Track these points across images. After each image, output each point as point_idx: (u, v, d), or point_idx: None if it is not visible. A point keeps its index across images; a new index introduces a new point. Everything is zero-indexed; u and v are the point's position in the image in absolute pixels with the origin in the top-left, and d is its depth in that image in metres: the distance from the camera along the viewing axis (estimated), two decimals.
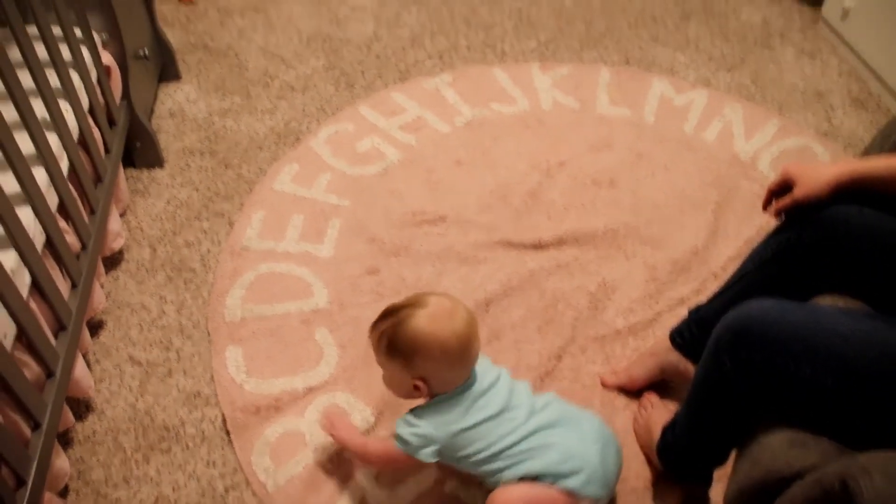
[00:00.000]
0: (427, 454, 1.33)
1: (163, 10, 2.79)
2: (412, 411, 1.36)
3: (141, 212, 2.03)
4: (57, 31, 1.68)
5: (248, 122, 2.29)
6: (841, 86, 2.49)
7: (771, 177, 2.12)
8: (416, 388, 1.31)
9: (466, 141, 2.21)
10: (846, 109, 2.39)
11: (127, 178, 2.07)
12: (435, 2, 2.84)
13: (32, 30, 1.56)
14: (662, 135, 2.24)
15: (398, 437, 1.34)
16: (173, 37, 2.63)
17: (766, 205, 1.40)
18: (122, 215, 2.00)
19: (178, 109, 2.34)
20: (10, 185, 1.34)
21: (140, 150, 2.12)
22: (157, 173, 2.13)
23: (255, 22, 2.73)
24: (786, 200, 1.31)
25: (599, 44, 2.64)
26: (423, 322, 1.26)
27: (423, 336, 1.26)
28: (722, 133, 2.26)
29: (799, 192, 1.29)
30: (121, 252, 1.92)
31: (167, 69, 2.43)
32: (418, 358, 1.27)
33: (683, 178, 2.11)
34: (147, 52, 2.16)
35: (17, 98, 1.37)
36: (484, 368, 1.37)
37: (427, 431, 1.32)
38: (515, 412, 1.33)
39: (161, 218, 2.01)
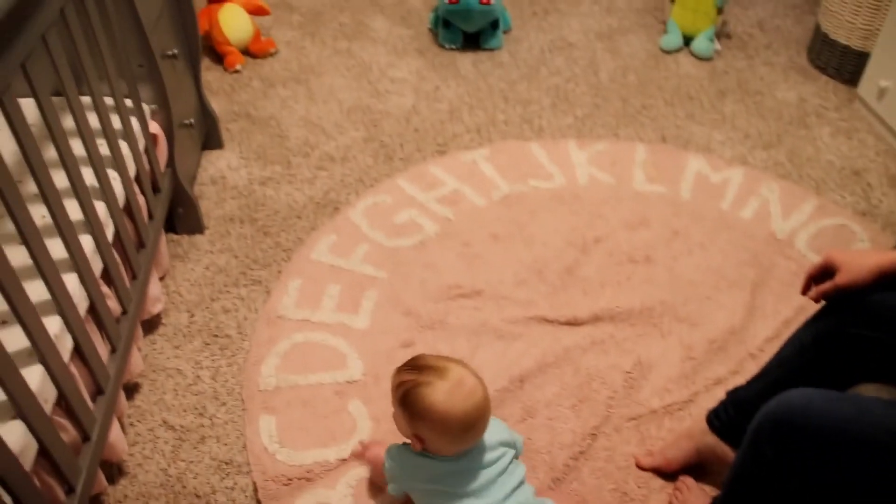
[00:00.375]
0: (392, 488, 1.46)
1: (208, 78, 2.87)
2: (403, 445, 1.43)
3: (180, 277, 2.06)
4: (109, 101, 1.74)
5: (287, 190, 2.34)
6: (878, 165, 2.48)
7: (808, 256, 2.11)
8: (415, 438, 1.37)
9: (503, 215, 2.22)
10: (884, 189, 2.38)
11: (168, 243, 2.11)
12: (473, 76, 2.90)
13: (86, 100, 1.62)
14: (699, 212, 2.25)
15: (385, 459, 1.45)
16: (217, 105, 2.70)
17: (806, 289, 1.39)
18: (161, 279, 2.03)
19: (219, 177, 2.39)
20: (58, 251, 1.37)
21: (182, 217, 2.16)
22: (198, 239, 2.17)
23: (297, 93, 2.80)
24: (828, 286, 1.31)
25: (635, 121, 2.67)
26: (438, 396, 1.31)
27: (432, 408, 1.31)
28: (759, 211, 2.26)
29: (842, 278, 1.28)
30: (159, 316, 1.94)
31: (211, 137, 2.49)
32: (422, 423, 1.33)
33: (720, 255, 2.10)
34: (193, 122, 2.22)
35: (69, 166, 1.41)
36: (491, 444, 1.39)
37: (396, 473, 1.42)
38: (476, 502, 1.35)
39: (199, 283, 2.04)
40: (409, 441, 1.40)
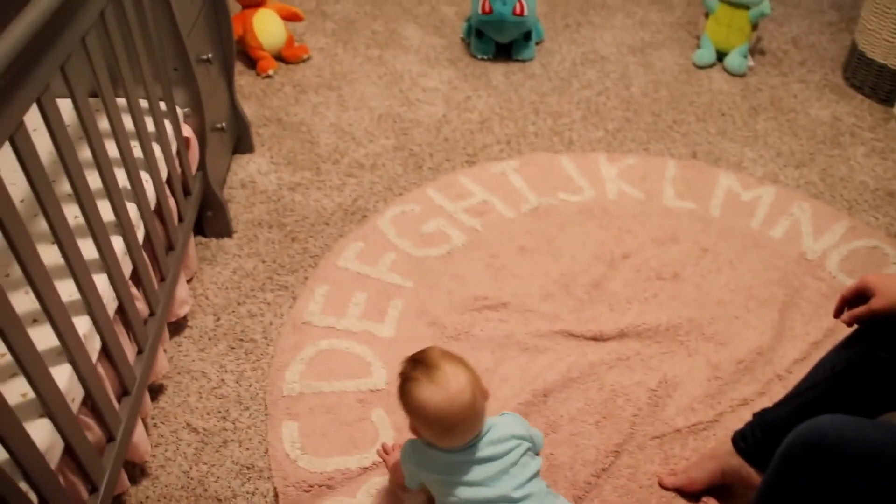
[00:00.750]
0: (408, 480, 1.48)
1: (241, 82, 2.89)
2: (411, 441, 1.47)
3: (207, 280, 2.07)
4: (143, 103, 1.76)
5: (316, 196, 2.35)
6: None
7: (839, 277, 2.08)
8: (412, 428, 1.43)
9: (531, 228, 2.22)
10: None
11: (196, 246, 2.12)
12: (504, 88, 2.90)
13: (121, 101, 1.64)
14: (729, 230, 2.22)
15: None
16: (249, 109, 2.72)
17: (839, 312, 1.37)
18: (189, 282, 2.05)
19: (249, 181, 2.41)
20: (89, 251, 1.38)
21: (211, 220, 2.17)
22: (226, 242, 2.18)
23: (329, 99, 2.81)
24: (862, 310, 1.29)
25: (667, 136, 2.65)
26: (422, 394, 1.35)
27: (415, 404, 1.36)
28: (789, 231, 2.23)
29: (878, 303, 1.26)
30: (185, 318, 1.96)
31: (242, 141, 2.51)
32: (411, 416, 1.40)
33: (749, 274, 2.08)
34: (224, 125, 2.23)
35: (103, 168, 1.43)
36: (502, 437, 1.40)
37: (407, 463, 1.46)
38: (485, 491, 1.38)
39: (226, 287, 2.05)
40: None
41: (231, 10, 2.30)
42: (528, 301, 1.98)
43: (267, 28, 2.97)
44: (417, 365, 1.38)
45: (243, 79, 2.93)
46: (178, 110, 1.94)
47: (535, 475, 1.42)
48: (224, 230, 2.20)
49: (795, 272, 2.10)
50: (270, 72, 2.95)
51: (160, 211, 1.76)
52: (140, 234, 1.62)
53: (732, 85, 2.95)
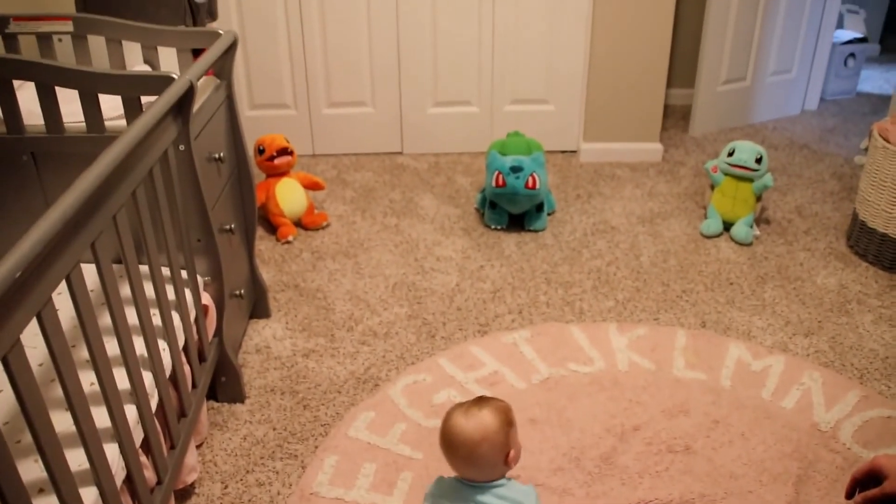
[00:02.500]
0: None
1: (260, 247, 3.00)
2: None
3: (217, 445, 2.07)
4: (165, 271, 1.83)
5: (329, 364, 2.37)
6: None
7: (854, 449, 2.05)
8: None
9: (542, 399, 2.22)
10: None
11: (207, 410, 2.13)
12: (517, 257, 2.98)
13: (143, 268, 1.70)
14: (740, 401, 2.22)
15: None
16: (267, 275, 2.80)
17: (850, 493, 1.35)
18: (198, 447, 2.04)
19: (264, 346, 2.45)
20: (102, 419, 1.41)
21: (224, 385, 2.20)
22: (238, 408, 2.20)
23: (346, 266, 2.89)
24: (875, 492, 1.27)
25: (676, 305, 2.69)
26: (450, 415, 1.58)
27: (443, 421, 1.59)
28: (801, 401, 2.22)
29: (891, 486, 1.25)
30: (193, 485, 1.94)
31: (258, 306, 2.57)
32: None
33: (762, 446, 2.06)
34: (243, 292, 2.30)
35: (122, 336, 1.47)
36: (510, 496, 1.55)
37: (428, 491, 1.65)
38: None
39: (236, 454, 2.04)
40: None
41: (255, 178, 2.41)
42: (537, 475, 1.96)
43: (289, 196, 3.10)
44: (476, 400, 1.60)
45: (263, 244, 3.03)
46: (199, 279, 2.00)
47: None
48: (237, 396, 2.21)
49: (809, 444, 2.07)
50: (290, 238, 3.05)
51: (175, 378, 1.79)
52: (154, 402, 1.64)
53: (739, 254, 3.02)
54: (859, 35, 4.85)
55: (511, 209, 3.11)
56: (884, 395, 2.27)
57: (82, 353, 1.63)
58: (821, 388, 2.28)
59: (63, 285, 1.27)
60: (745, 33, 4.12)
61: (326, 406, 2.21)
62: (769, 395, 2.25)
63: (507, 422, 1.57)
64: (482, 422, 1.53)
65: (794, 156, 3.96)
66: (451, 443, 1.55)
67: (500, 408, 1.58)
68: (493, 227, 3.16)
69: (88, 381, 1.54)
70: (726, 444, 2.07)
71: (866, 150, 2.98)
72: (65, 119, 1.81)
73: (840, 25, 4.81)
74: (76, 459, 1.36)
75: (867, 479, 1.32)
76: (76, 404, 1.25)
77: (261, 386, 2.28)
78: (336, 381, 2.30)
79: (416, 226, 3.19)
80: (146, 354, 1.62)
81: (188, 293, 1.91)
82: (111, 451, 1.43)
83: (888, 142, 2.82)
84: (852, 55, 4.76)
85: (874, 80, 5.23)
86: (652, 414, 2.17)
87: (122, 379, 1.48)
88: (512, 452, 1.56)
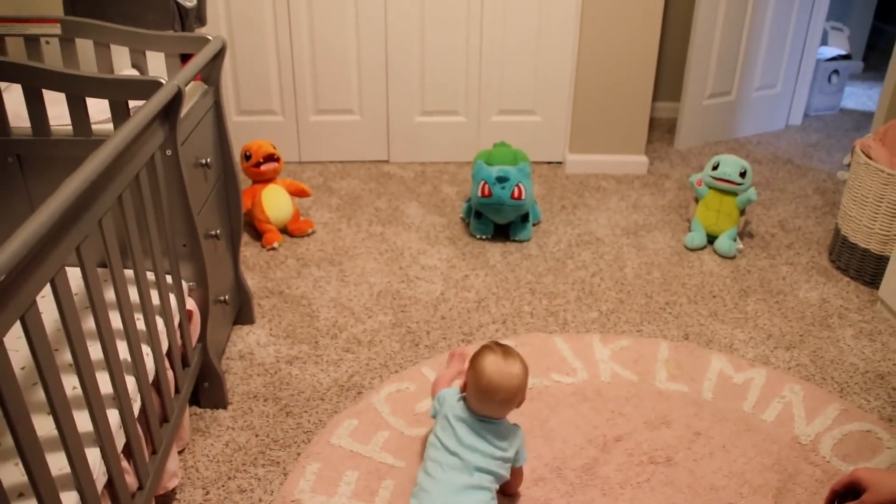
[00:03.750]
0: (432, 409, 1.93)
1: (245, 253, 2.99)
2: (453, 390, 1.93)
3: (199, 451, 2.06)
4: (150, 275, 1.82)
5: (313, 371, 2.37)
6: None
7: (833, 462, 2.07)
8: (464, 382, 1.88)
9: (524, 409, 2.20)
10: None
11: (190, 416, 2.13)
12: (501, 267, 2.99)
13: (128, 272, 1.70)
14: (721, 413, 2.23)
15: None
16: (252, 281, 2.80)
17: None
18: (180, 453, 2.04)
19: (247, 352, 2.44)
20: (84, 423, 1.40)
21: (207, 391, 2.19)
22: (220, 414, 2.19)
23: (331, 274, 2.89)
24: None
25: (659, 317, 2.71)
26: (485, 359, 1.79)
27: (475, 363, 1.80)
28: (782, 414, 2.24)
29: (870, 498, 1.26)
30: (174, 491, 1.93)
31: (243, 312, 2.57)
32: (470, 371, 1.82)
33: (743, 459, 2.07)
34: (227, 298, 2.29)
35: (105, 341, 1.46)
36: (501, 434, 1.80)
37: (440, 396, 1.91)
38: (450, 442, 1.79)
39: (218, 460, 2.04)
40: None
41: (241, 184, 2.41)
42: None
43: (275, 202, 3.10)
44: (500, 346, 1.82)
45: (248, 250, 3.03)
46: (184, 284, 2.00)
47: (497, 477, 1.78)
48: (219, 402, 2.21)
49: (789, 457, 2.09)
50: (275, 244, 3.05)
51: (158, 383, 1.79)
52: (136, 407, 1.64)
53: (723, 267, 3.04)
54: (843, 52, 4.91)
55: (496, 219, 3.12)
56: (863, 409, 2.29)
57: (65, 356, 1.63)
58: (801, 401, 2.30)
59: (47, 288, 1.26)
60: (730, 48, 4.16)
61: (309, 413, 2.20)
62: (750, 407, 2.27)
63: (526, 369, 1.83)
64: (522, 371, 1.79)
65: (778, 170, 4.00)
66: (495, 387, 1.75)
67: (522, 359, 1.83)
68: (478, 236, 3.17)
69: (71, 384, 1.54)
70: (707, 455, 2.08)
71: (849, 165, 3.01)
72: (51, 122, 1.81)
73: (824, 42, 4.87)
74: (57, 463, 1.35)
75: (847, 491, 1.33)
76: (58, 408, 1.25)
77: (244, 392, 2.28)
78: (319, 389, 2.30)
79: (401, 234, 3.19)
80: (129, 359, 1.62)
81: (173, 298, 1.91)
82: (93, 455, 1.42)
83: (870, 158, 2.85)
84: (836, 72, 4.81)
85: (857, 96, 5.30)
86: (634, 425, 2.18)
87: (104, 383, 1.47)
88: (521, 397, 1.82)
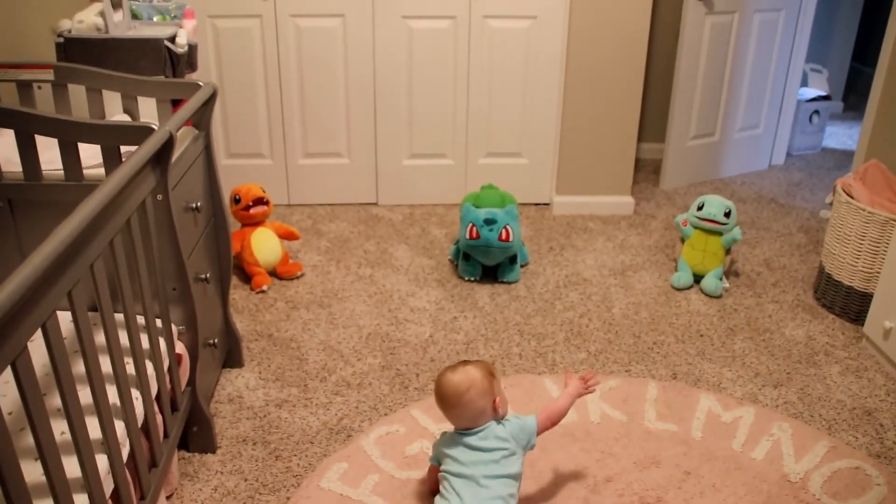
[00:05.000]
0: (431, 457, 1.99)
1: (235, 296, 2.99)
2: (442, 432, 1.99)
3: (187, 497, 2.04)
4: (140, 319, 1.82)
5: (302, 414, 2.37)
6: (890, 404, 2.49)
7: (823, 500, 2.07)
8: None
9: None
10: None
11: (178, 460, 2.11)
12: (490, 309, 3.00)
13: (118, 316, 1.70)
14: (710, 452, 2.24)
15: None
16: (241, 324, 2.80)
17: None
18: (168, 498, 2.02)
19: (236, 395, 2.44)
20: (72, 468, 1.39)
21: (195, 435, 2.18)
22: (209, 458, 2.18)
23: (319, 316, 2.90)
24: None
25: (647, 357, 2.72)
26: (442, 373, 1.88)
27: (435, 384, 1.90)
28: (771, 452, 2.25)
29: None
30: None
31: (232, 355, 2.56)
32: None
33: (733, 498, 2.07)
34: (216, 341, 2.29)
35: (95, 385, 1.46)
36: (492, 435, 1.85)
37: (434, 448, 1.96)
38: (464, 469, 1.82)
39: None
40: None
41: (231, 227, 2.42)
42: None
43: (264, 245, 3.11)
44: (461, 362, 1.89)
45: (237, 293, 3.03)
46: (174, 327, 2.00)
47: (509, 476, 1.81)
48: (208, 446, 2.20)
49: (779, 495, 2.09)
50: (265, 287, 3.06)
51: (147, 427, 1.78)
52: (125, 452, 1.63)
53: (710, 306, 3.06)
54: (823, 93, 5.00)
55: (485, 261, 3.14)
56: (852, 446, 2.30)
57: (54, 400, 1.62)
58: (790, 438, 2.31)
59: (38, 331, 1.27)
60: (713, 90, 4.24)
61: (299, 457, 2.19)
62: (739, 446, 2.27)
63: (490, 373, 1.87)
64: (467, 373, 1.84)
65: (762, 209, 4.05)
66: (442, 394, 1.84)
67: (482, 363, 1.89)
68: (466, 278, 3.19)
69: (59, 429, 1.53)
70: (697, 495, 2.08)
71: (831, 204, 3.05)
72: (43, 166, 1.82)
73: (804, 84, 4.96)
74: None
75: None
76: (47, 454, 1.24)
77: (233, 436, 2.27)
78: (309, 432, 2.29)
79: (390, 276, 3.21)
80: (119, 403, 1.62)
81: (162, 342, 1.91)
82: (81, 501, 1.41)
83: (851, 197, 2.90)
84: (817, 112, 4.90)
85: (838, 136, 5.38)
86: (624, 465, 2.18)
87: (94, 428, 1.47)
88: (498, 399, 1.85)
